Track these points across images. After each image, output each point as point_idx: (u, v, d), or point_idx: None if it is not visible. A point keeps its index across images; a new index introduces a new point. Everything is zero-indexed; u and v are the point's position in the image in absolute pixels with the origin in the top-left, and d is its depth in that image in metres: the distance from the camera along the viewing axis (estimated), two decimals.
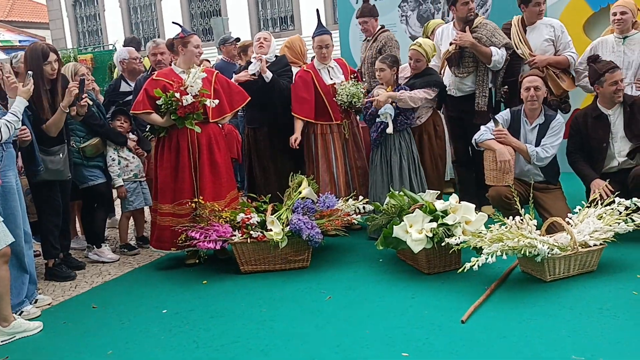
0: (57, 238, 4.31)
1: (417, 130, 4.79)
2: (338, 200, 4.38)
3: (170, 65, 4.63)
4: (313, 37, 4.88)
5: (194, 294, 3.85)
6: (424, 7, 6.66)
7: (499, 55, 4.72)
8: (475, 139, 4.45)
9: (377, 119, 4.53)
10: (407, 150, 4.58)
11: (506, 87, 4.92)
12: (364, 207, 4.37)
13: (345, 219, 4.23)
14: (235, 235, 4.03)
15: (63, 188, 4.31)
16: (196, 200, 4.17)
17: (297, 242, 4.04)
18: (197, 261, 4.34)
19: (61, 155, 4.17)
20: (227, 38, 7.03)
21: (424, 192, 4.27)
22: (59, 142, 4.19)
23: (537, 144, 4.29)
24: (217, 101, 4.30)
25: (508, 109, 4.51)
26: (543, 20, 4.85)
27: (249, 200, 4.42)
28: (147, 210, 5.33)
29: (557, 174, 4.44)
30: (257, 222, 4.11)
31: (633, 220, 3.57)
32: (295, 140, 4.70)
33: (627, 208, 3.61)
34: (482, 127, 4.45)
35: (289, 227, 4.01)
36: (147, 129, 4.61)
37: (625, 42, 4.57)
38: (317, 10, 5.21)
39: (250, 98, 4.57)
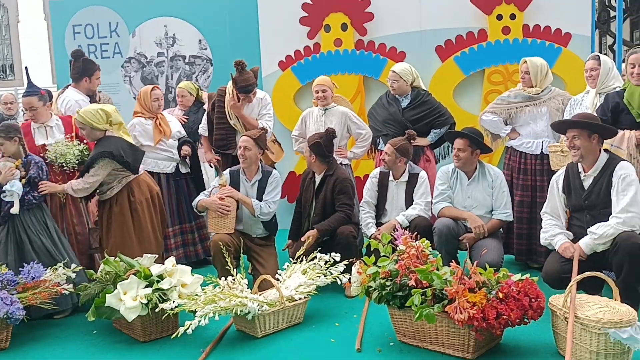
0: None
1: (107, 202, 4.37)
2: (46, 270, 4.01)
3: None
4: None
5: None
6: (147, 69, 6.69)
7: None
8: (195, 203, 4.56)
9: (2, 195, 4.04)
10: (42, 226, 4.21)
11: (218, 156, 5.24)
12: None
13: (54, 290, 3.89)
14: None
15: None
16: None
17: None
18: None
19: None
20: None
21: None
22: None
23: (259, 199, 4.55)
24: None
25: (228, 169, 4.73)
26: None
27: None
28: None
29: (276, 227, 4.76)
30: None
31: (331, 274, 3.99)
32: None
33: (326, 262, 4.02)
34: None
35: None
36: None
37: (326, 113, 5.20)
38: (26, 68, 4.88)
39: None
